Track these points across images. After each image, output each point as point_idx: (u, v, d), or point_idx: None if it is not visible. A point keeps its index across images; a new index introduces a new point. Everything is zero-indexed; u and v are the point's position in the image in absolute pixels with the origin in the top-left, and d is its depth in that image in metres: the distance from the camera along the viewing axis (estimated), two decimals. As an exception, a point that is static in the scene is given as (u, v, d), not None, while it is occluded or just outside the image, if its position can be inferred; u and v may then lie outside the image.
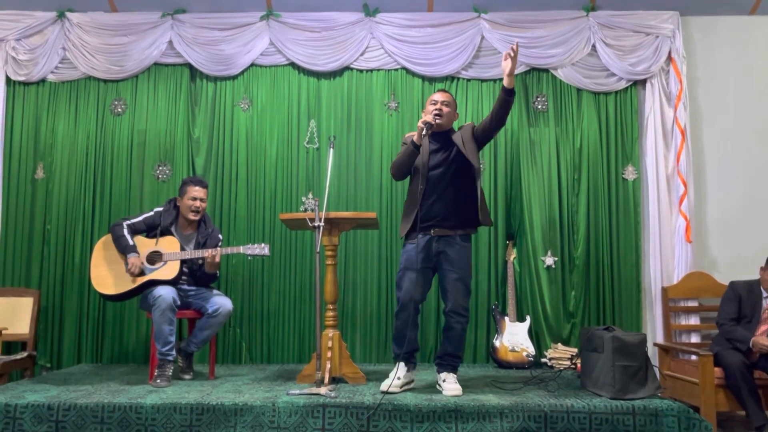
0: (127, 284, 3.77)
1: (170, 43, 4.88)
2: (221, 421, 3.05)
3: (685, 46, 4.83)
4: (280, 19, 4.89)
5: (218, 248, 3.87)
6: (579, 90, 4.88)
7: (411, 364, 3.50)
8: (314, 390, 3.26)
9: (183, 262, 3.87)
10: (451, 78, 4.90)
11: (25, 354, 4.43)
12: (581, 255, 4.72)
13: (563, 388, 3.53)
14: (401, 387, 3.36)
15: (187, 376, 3.91)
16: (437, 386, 3.48)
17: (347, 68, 4.92)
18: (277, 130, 4.89)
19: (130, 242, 3.80)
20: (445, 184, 3.46)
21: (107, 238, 3.90)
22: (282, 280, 4.77)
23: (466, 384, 3.53)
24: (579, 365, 3.76)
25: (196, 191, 3.94)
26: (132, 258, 3.76)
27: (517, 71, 4.83)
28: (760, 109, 4.88)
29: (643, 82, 4.87)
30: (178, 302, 3.71)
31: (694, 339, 4.58)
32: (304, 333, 4.72)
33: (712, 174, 4.85)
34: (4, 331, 4.16)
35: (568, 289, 4.72)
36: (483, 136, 3.56)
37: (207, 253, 3.82)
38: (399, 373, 3.39)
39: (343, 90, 4.92)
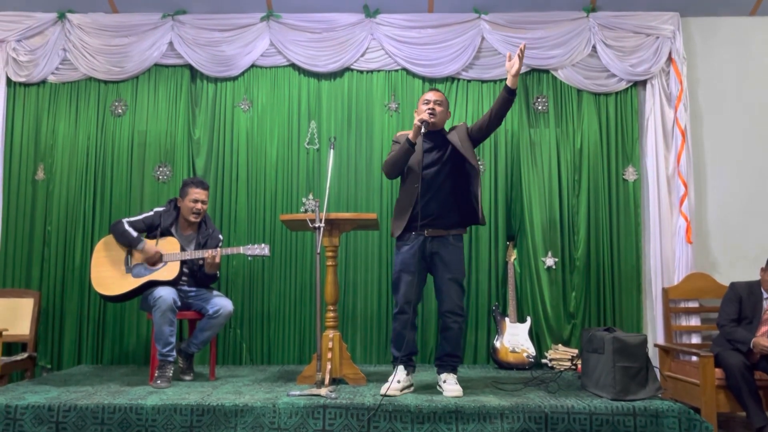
0: (128, 285, 3.77)
1: (171, 44, 4.88)
2: (221, 422, 3.04)
3: (685, 47, 4.83)
4: (281, 20, 4.89)
5: (218, 249, 3.87)
6: (579, 91, 4.88)
7: (410, 368, 3.50)
8: (315, 391, 3.26)
9: (183, 262, 3.87)
10: (452, 79, 4.91)
11: (25, 355, 4.43)
12: (582, 256, 4.72)
13: (564, 389, 3.53)
14: (401, 391, 3.35)
15: (187, 377, 3.91)
16: (438, 387, 3.47)
17: (347, 69, 4.92)
18: (277, 131, 4.89)
19: (135, 234, 3.80)
20: (439, 183, 3.46)
21: (107, 239, 3.90)
22: (282, 281, 4.77)
23: (466, 385, 3.53)
24: (579, 366, 3.76)
25: (198, 193, 3.94)
26: (145, 246, 3.76)
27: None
28: (760, 109, 4.88)
29: (644, 82, 4.87)
30: (179, 303, 3.71)
31: (695, 340, 4.57)
32: (305, 334, 4.72)
33: (713, 175, 4.85)
34: (4, 332, 4.15)
35: (568, 289, 4.72)
36: (479, 134, 3.57)
37: (207, 253, 3.82)
38: (398, 376, 3.39)
39: (344, 91, 4.92)
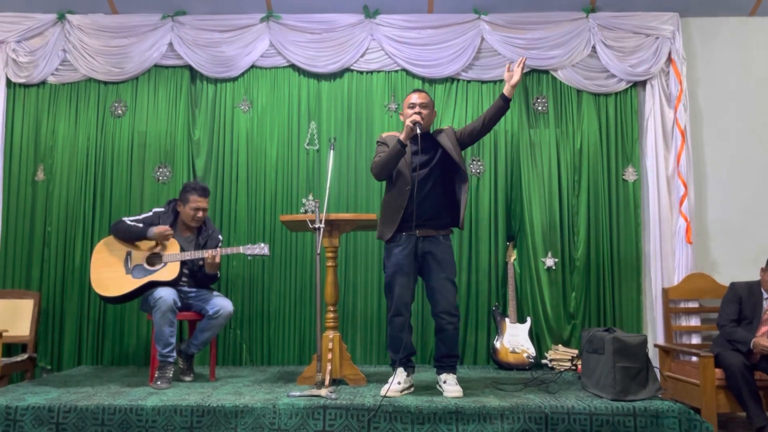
0: (128, 286, 3.76)
1: (170, 44, 4.88)
2: (222, 423, 3.04)
3: (685, 48, 4.83)
4: (281, 21, 4.90)
5: (218, 249, 3.87)
6: (579, 91, 4.89)
7: (410, 369, 3.49)
8: (315, 392, 3.26)
9: (183, 263, 3.87)
10: (451, 79, 4.91)
11: (25, 356, 4.43)
12: (582, 256, 4.72)
13: (564, 390, 3.53)
14: (401, 392, 3.35)
15: (187, 378, 3.91)
16: (437, 387, 3.47)
17: (347, 70, 4.92)
18: (277, 132, 4.89)
19: (140, 225, 3.81)
20: (430, 185, 3.45)
21: (107, 240, 3.90)
22: (282, 282, 4.77)
23: (466, 385, 3.53)
24: (579, 366, 3.76)
25: (199, 201, 3.93)
26: (155, 229, 3.77)
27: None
28: (760, 109, 4.88)
29: (643, 83, 4.87)
30: (179, 304, 3.71)
31: (695, 340, 4.57)
32: (305, 334, 4.72)
33: (713, 175, 4.85)
34: (4, 333, 4.15)
35: (568, 290, 4.72)
36: (469, 138, 3.59)
37: (207, 253, 3.82)
38: (398, 377, 3.38)
39: (344, 91, 4.93)
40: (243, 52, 4.88)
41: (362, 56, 4.90)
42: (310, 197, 4.81)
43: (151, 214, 3.96)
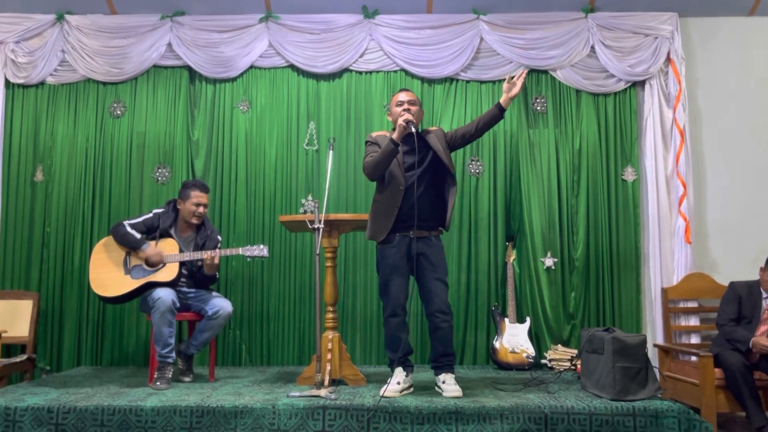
0: (127, 286, 3.76)
1: (169, 45, 4.88)
2: (221, 424, 3.04)
3: (684, 47, 4.84)
4: (280, 21, 4.89)
5: (217, 250, 3.87)
6: (578, 91, 4.89)
7: (408, 368, 3.49)
8: (314, 392, 3.26)
9: (182, 264, 3.87)
10: (450, 79, 4.91)
11: (24, 357, 4.42)
12: (581, 256, 4.73)
13: (563, 390, 3.53)
14: (400, 392, 3.35)
15: (186, 379, 3.90)
16: (436, 388, 3.47)
17: (346, 70, 4.92)
18: (276, 132, 4.89)
19: (138, 236, 3.80)
20: (423, 185, 3.44)
21: (106, 241, 3.90)
22: (282, 282, 4.77)
23: (466, 385, 3.53)
24: (579, 366, 3.76)
25: (200, 197, 3.94)
26: (148, 249, 3.77)
27: (516, 72, 4.85)
28: (759, 109, 4.89)
29: (642, 83, 4.87)
30: (178, 304, 3.71)
31: (694, 340, 4.58)
32: (304, 335, 4.72)
33: (712, 175, 4.86)
34: (3, 334, 4.14)
35: (567, 290, 4.72)
36: (461, 141, 3.60)
37: (206, 255, 3.82)
38: (398, 378, 3.38)
39: (343, 92, 4.93)
40: (242, 52, 4.88)
41: (361, 56, 4.90)
42: (310, 197, 4.81)
43: (151, 215, 3.95)
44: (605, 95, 4.88)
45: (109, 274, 3.80)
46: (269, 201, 4.83)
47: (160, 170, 4.85)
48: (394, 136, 3.39)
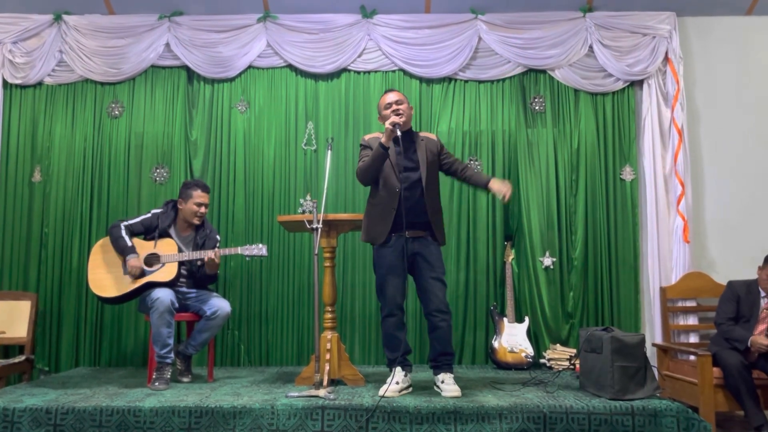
0: (125, 287, 3.76)
1: (167, 45, 4.87)
2: (220, 424, 3.04)
3: (682, 47, 4.84)
4: (278, 21, 4.89)
5: (216, 249, 3.86)
6: (576, 91, 4.89)
7: (407, 367, 3.48)
8: (313, 392, 3.26)
9: (181, 264, 3.86)
10: (449, 79, 4.91)
11: (22, 357, 4.42)
12: (579, 256, 4.73)
13: (562, 389, 3.53)
14: (399, 392, 3.34)
15: (185, 379, 3.90)
16: (435, 387, 3.47)
17: (345, 70, 4.92)
18: (274, 132, 4.89)
19: (129, 243, 3.79)
20: (417, 186, 3.43)
21: (104, 241, 3.89)
22: (280, 282, 4.76)
23: (465, 385, 3.53)
24: (578, 366, 3.76)
25: (201, 196, 3.93)
26: (132, 260, 3.75)
27: (514, 72, 4.88)
28: (756, 109, 4.89)
29: (640, 82, 4.87)
30: (176, 305, 3.70)
31: (693, 339, 4.58)
32: (303, 335, 4.72)
33: (710, 174, 4.86)
34: (1, 335, 4.15)
35: (566, 289, 4.73)
36: (445, 169, 3.61)
37: (208, 254, 3.80)
38: (397, 377, 3.38)
39: (341, 92, 4.92)
40: (240, 52, 4.88)
41: (359, 56, 4.90)
42: (308, 197, 4.81)
43: (149, 215, 3.95)
44: (603, 95, 4.89)
45: (107, 275, 3.79)
46: (267, 201, 4.82)
47: (158, 170, 4.84)
48: (383, 139, 3.39)
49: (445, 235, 3.56)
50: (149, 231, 3.90)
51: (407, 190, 3.41)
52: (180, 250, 3.88)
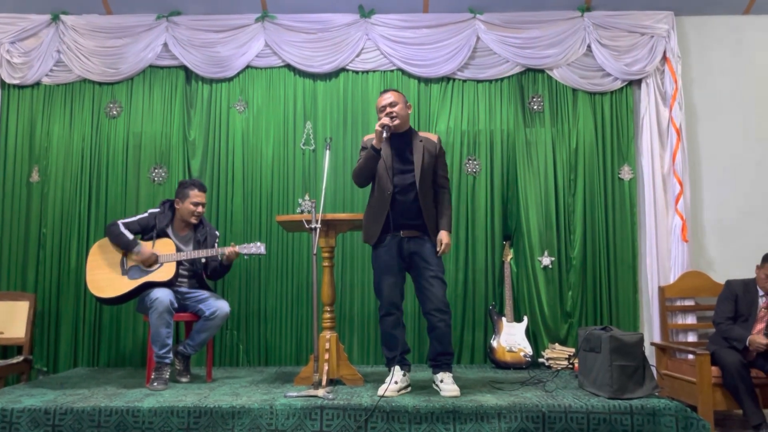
0: (124, 287, 3.75)
1: (165, 45, 4.87)
2: (219, 424, 3.04)
3: (680, 46, 4.84)
4: (276, 21, 4.89)
5: (216, 247, 3.90)
6: (575, 90, 4.89)
7: (406, 367, 3.49)
8: (312, 392, 3.26)
9: (179, 263, 3.86)
10: (447, 79, 4.91)
11: (21, 358, 4.41)
12: (578, 255, 4.73)
13: (561, 389, 3.53)
14: (398, 392, 3.34)
15: (184, 379, 3.89)
16: (434, 387, 3.47)
17: (343, 70, 4.92)
18: (273, 132, 4.89)
19: (130, 237, 3.79)
20: (411, 187, 3.42)
21: (103, 242, 3.89)
22: (279, 282, 4.76)
23: (463, 384, 3.53)
24: (576, 365, 3.77)
25: (199, 196, 3.93)
26: (142, 249, 3.75)
27: (512, 72, 4.89)
28: (755, 108, 4.90)
29: (639, 82, 4.88)
30: (175, 305, 3.70)
31: (691, 338, 4.59)
32: (302, 335, 4.71)
33: (708, 173, 4.87)
34: (0, 336, 4.15)
35: (565, 289, 4.73)
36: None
37: (226, 250, 3.83)
38: (395, 377, 3.38)
39: (339, 91, 4.92)
40: (238, 52, 4.87)
41: (358, 56, 4.90)
42: (307, 197, 4.81)
43: (146, 215, 3.95)
44: (602, 94, 4.89)
45: (105, 276, 3.79)
46: (266, 201, 4.82)
47: (156, 170, 4.84)
48: (374, 142, 3.39)
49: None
50: (146, 231, 3.90)
51: (401, 193, 3.42)
52: (179, 249, 3.87)
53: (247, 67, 4.92)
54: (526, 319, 4.59)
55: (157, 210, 3.98)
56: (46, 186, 4.81)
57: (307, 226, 3.51)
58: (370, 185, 3.58)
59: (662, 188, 4.73)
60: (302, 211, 4.76)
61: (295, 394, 3.25)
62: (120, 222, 3.86)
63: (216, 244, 4.04)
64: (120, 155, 4.85)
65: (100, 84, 4.91)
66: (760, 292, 3.91)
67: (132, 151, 4.86)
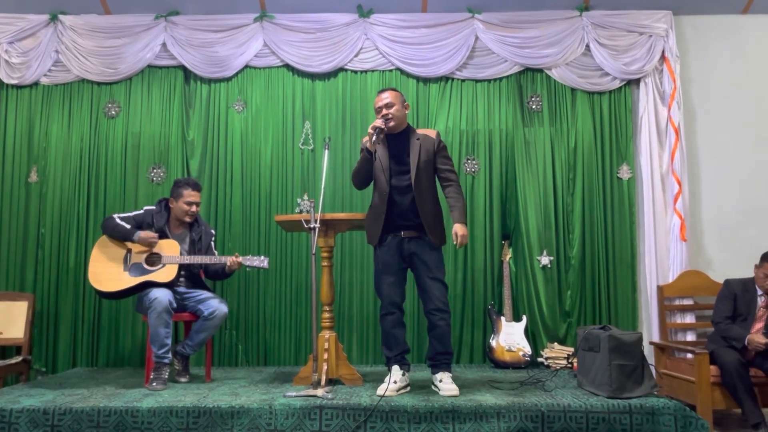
0: (124, 283, 3.75)
1: (164, 45, 4.87)
2: (218, 424, 3.04)
3: (678, 46, 4.85)
4: (274, 21, 4.89)
5: (212, 246, 3.92)
6: (573, 90, 4.90)
7: (405, 366, 3.49)
8: (311, 392, 3.26)
9: (180, 265, 3.86)
10: (446, 78, 4.91)
11: (20, 358, 4.41)
12: (577, 254, 4.73)
13: (560, 388, 3.53)
14: (397, 391, 3.34)
15: (183, 379, 3.89)
16: (433, 386, 3.47)
17: (342, 69, 4.92)
18: (271, 132, 4.89)
19: (128, 226, 3.80)
20: (406, 190, 3.42)
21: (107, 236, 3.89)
22: (278, 282, 4.76)
23: (463, 384, 3.53)
24: (575, 364, 3.77)
25: (192, 195, 3.93)
26: (141, 234, 3.75)
27: (510, 71, 4.89)
28: (753, 107, 4.90)
29: (637, 81, 4.88)
30: (174, 305, 3.70)
31: (690, 337, 4.59)
32: (301, 335, 4.71)
33: (707, 172, 4.87)
34: (-2, 336, 4.16)
35: (564, 288, 4.73)
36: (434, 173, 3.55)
37: (228, 260, 3.83)
38: (395, 377, 3.38)
39: (338, 91, 4.92)
40: (237, 52, 4.87)
41: (356, 56, 4.90)
42: (305, 197, 4.81)
43: (142, 212, 3.95)
44: (600, 93, 4.89)
45: (107, 269, 3.78)
46: (265, 201, 4.82)
47: (155, 170, 4.83)
48: (367, 144, 3.40)
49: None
50: (141, 227, 3.89)
51: (398, 194, 3.42)
52: (181, 252, 3.87)
53: (246, 66, 4.92)
54: (525, 318, 4.59)
55: (152, 208, 3.98)
56: (44, 186, 4.80)
57: (306, 225, 3.51)
58: (372, 186, 3.58)
59: (661, 187, 4.73)
60: (301, 211, 4.76)
61: (294, 393, 3.25)
62: (115, 216, 3.87)
63: (212, 243, 4.04)
64: (119, 155, 4.84)
65: (99, 84, 4.91)
66: (759, 292, 3.91)
67: (131, 151, 4.85)
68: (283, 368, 4.49)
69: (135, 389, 3.57)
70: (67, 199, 4.79)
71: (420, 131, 3.58)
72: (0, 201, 4.80)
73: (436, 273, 3.43)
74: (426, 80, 4.91)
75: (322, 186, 3.54)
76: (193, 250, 3.95)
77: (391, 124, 3.44)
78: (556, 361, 4.40)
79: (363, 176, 3.51)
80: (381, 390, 3.27)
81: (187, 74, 4.95)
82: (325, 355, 3.61)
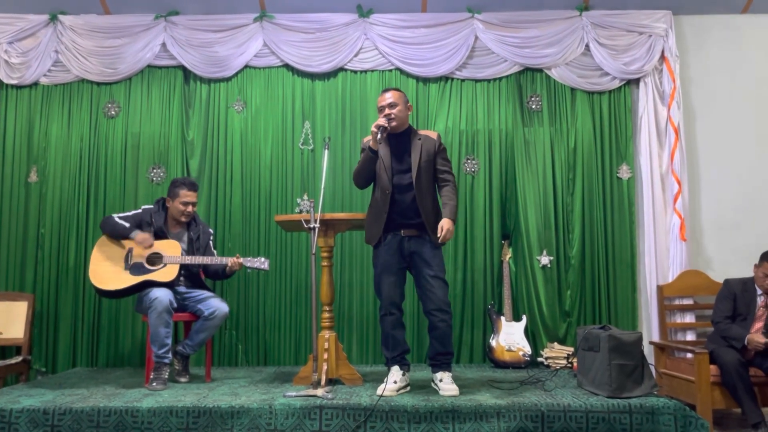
0: (124, 282, 3.75)
1: (163, 45, 4.86)
2: (218, 424, 3.04)
3: (678, 45, 4.85)
4: (274, 21, 4.89)
5: (210, 246, 3.91)
6: (573, 89, 4.90)
7: (405, 367, 3.49)
8: (311, 392, 3.26)
9: (180, 265, 3.86)
10: (445, 78, 4.91)
11: (19, 358, 4.41)
12: (576, 254, 4.74)
13: (560, 388, 3.53)
14: (397, 391, 3.34)
15: (183, 379, 3.89)
16: (433, 386, 3.47)
17: (341, 69, 4.92)
18: (271, 132, 4.89)
19: (126, 225, 3.80)
20: (407, 189, 3.42)
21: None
22: (278, 282, 4.76)
23: (463, 384, 3.53)
24: (575, 364, 3.77)
25: (188, 196, 3.93)
26: (139, 234, 3.76)
27: (510, 71, 4.89)
28: (752, 107, 4.90)
29: (637, 81, 4.88)
30: (175, 305, 3.70)
31: (690, 337, 4.59)
32: (301, 335, 4.71)
33: (706, 172, 4.87)
34: (-2, 336, 4.16)
35: (563, 288, 4.73)
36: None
37: (230, 261, 3.84)
38: (394, 377, 3.38)
39: (338, 91, 4.92)
40: (236, 52, 4.87)
41: (356, 56, 4.90)
42: (305, 197, 4.81)
43: (140, 211, 3.96)
44: (600, 93, 4.89)
45: (108, 268, 3.78)
46: (265, 201, 4.82)
47: (155, 170, 4.83)
48: (370, 143, 3.40)
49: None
50: (139, 227, 3.89)
51: (400, 193, 3.42)
52: (182, 252, 3.87)
53: (246, 66, 4.92)
54: (524, 318, 4.59)
55: (150, 207, 3.98)
56: (44, 186, 4.80)
57: (305, 225, 3.51)
58: (372, 186, 3.58)
59: (660, 187, 4.74)
60: (301, 211, 4.76)
61: (294, 393, 3.25)
62: (114, 215, 3.88)
63: (210, 243, 4.04)
64: (118, 155, 4.84)
65: (99, 84, 4.91)
66: (759, 291, 3.92)
67: (130, 151, 4.85)
68: (283, 368, 4.49)
69: (135, 389, 3.57)
70: (67, 199, 4.79)
71: (421, 132, 3.59)
72: (0, 201, 4.80)
73: (438, 271, 3.43)
74: (426, 80, 4.91)
75: (322, 186, 3.54)
76: (191, 249, 3.95)
77: (394, 123, 3.44)
78: (556, 361, 4.40)
79: (366, 175, 3.51)
80: (381, 390, 3.28)
81: (187, 74, 4.95)
82: (325, 355, 3.61)
